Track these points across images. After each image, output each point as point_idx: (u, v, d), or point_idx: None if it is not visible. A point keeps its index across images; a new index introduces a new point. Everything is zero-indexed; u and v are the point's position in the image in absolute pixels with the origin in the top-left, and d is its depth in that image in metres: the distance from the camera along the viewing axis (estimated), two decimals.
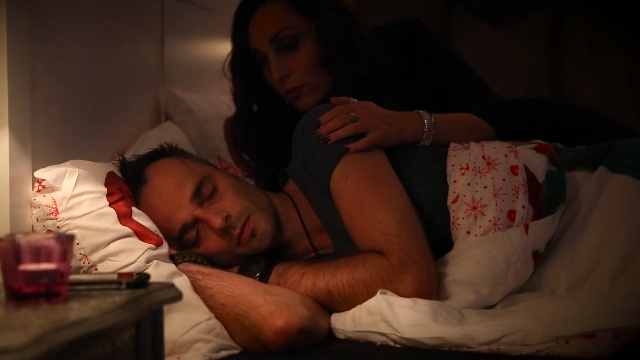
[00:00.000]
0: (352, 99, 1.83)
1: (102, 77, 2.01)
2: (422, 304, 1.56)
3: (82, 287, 1.25)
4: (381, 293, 1.58)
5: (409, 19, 2.19)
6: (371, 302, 1.58)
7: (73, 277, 1.23)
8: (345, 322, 1.61)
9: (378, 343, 1.56)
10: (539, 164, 1.77)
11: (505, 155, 1.77)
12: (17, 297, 1.13)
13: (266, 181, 2.19)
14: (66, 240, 1.15)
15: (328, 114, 1.77)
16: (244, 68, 2.15)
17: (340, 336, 1.62)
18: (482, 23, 4.40)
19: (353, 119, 1.76)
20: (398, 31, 2.17)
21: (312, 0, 2.08)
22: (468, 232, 1.70)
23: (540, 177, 1.75)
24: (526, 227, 1.67)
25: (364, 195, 1.69)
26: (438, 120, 1.86)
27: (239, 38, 2.12)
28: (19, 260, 1.12)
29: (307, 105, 2.07)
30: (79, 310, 1.10)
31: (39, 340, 0.96)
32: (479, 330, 1.48)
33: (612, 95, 4.15)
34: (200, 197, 1.75)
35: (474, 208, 1.71)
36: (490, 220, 1.69)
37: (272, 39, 2.05)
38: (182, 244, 1.75)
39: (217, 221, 1.71)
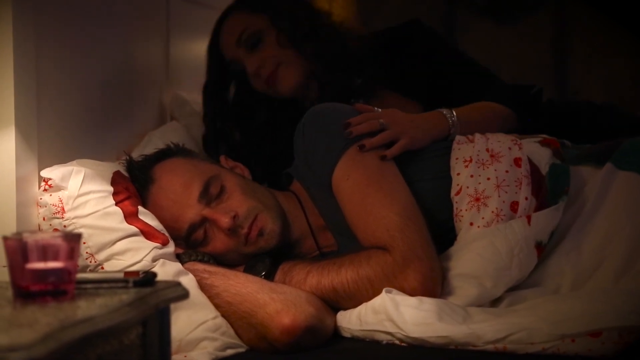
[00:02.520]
0: (376, 108, 1.85)
1: (108, 77, 2.02)
2: (428, 302, 1.56)
3: (89, 286, 1.25)
4: (386, 292, 1.58)
5: (409, 20, 2.27)
6: (376, 301, 1.58)
7: (80, 275, 1.23)
8: (351, 321, 1.61)
9: (384, 342, 1.56)
10: (543, 157, 1.78)
11: (509, 148, 1.77)
12: (25, 295, 1.13)
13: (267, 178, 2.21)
14: (73, 239, 1.15)
15: (358, 118, 1.78)
16: (224, 83, 2.26)
17: (346, 334, 1.62)
18: (485, 23, 4.40)
19: (383, 125, 1.77)
20: (398, 32, 2.24)
21: None
22: (471, 224, 1.71)
23: (544, 169, 1.75)
24: (529, 218, 1.67)
25: (366, 191, 1.69)
26: (459, 113, 1.89)
27: (216, 57, 2.23)
28: (26, 259, 1.12)
29: (288, 83, 2.17)
30: (86, 308, 1.11)
31: (47, 338, 0.96)
32: (484, 328, 1.48)
33: (616, 94, 4.14)
34: (208, 196, 1.75)
35: (477, 199, 1.72)
36: (492, 212, 1.69)
37: (237, 41, 2.18)
38: (189, 244, 1.75)
39: (225, 220, 1.71)
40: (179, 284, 1.30)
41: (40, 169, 1.66)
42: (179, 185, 1.76)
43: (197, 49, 2.25)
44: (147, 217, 1.70)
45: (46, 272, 1.13)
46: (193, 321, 1.56)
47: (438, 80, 2.16)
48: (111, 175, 1.74)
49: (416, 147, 1.81)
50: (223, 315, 1.60)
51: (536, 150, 1.79)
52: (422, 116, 1.89)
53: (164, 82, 2.37)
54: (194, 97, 2.43)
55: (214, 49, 2.24)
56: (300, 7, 2.23)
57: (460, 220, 1.73)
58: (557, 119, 2.17)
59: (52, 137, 1.73)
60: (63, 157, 1.72)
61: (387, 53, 2.20)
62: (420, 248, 1.62)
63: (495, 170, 1.73)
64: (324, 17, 2.24)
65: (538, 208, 1.70)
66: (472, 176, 1.74)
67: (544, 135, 1.88)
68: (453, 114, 1.88)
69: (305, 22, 2.19)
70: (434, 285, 1.61)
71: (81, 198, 1.64)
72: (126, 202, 1.69)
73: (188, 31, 2.51)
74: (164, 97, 2.37)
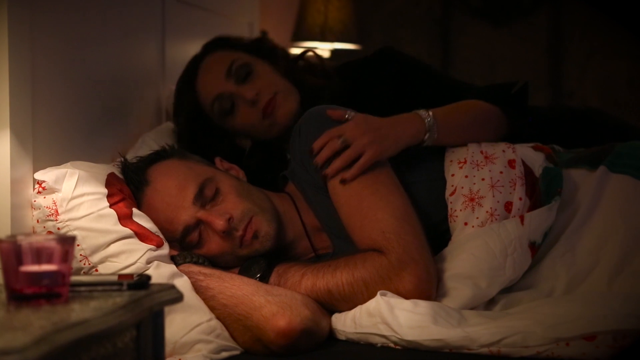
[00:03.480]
0: (349, 111, 1.78)
1: (103, 78, 2.02)
2: (422, 305, 1.56)
3: (83, 289, 1.25)
4: (381, 295, 1.58)
5: (379, 49, 2.24)
6: (371, 304, 1.58)
7: (74, 278, 1.23)
8: (346, 324, 1.61)
9: (379, 345, 1.56)
10: (537, 160, 1.80)
11: (503, 151, 1.79)
12: (19, 298, 1.13)
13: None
14: (67, 242, 1.15)
15: (320, 141, 1.72)
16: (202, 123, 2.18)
17: (341, 337, 1.63)
18: (482, 25, 4.41)
19: (344, 142, 1.70)
20: (369, 62, 2.22)
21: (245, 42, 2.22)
22: (465, 224, 1.72)
23: (537, 171, 1.77)
24: (522, 218, 1.68)
25: (362, 194, 1.69)
26: (437, 113, 1.78)
27: (190, 102, 2.16)
28: (20, 262, 1.12)
29: (286, 113, 2.12)
30: (80, 311, 1.11)
31: (40, 341, 0.96)
32: (479, 332, 1.49)
33: (612, 96, 4.16)
34: (203, 199, 1.75)
35: (471, 199, 1.72)
36: (487, 211, 1.70)
37: (227, 73, 2.12)
38: (184, 246, 1.75)
39: (219, 223, 1.71)
40: (173, 287, 1.30)
41: (35, 171, 1.66)
42: (174, 188, 1.75)
43: (193, 51, 2.25)
44: (141, 219, 1.70)
45: (40, 274, 1.12)
46: (187, 324, 1.55)
47: (413, 103, 1.97)
48: (105, 177, 1.74)
49: (384, 157, 1.73)
50: (218, 318, 1.60)
51: (529, 154, 1.81)
52: (394, 121, 1.77)
53: (160, 84, 2.37)
54: None
55: (188, 94, 2.17)
56: (276, 46, 2.24)
57: (455, 221, 1.74)
58: (543, 125, 2.09)
59: (47, 139, 1.73)
60: (58, 159, 1.71)
61: (359, 83, 2.18)
62: (415, 250, 1.63)
63: (490, 171, 1.75)
64: (296, 57, 2.25)
65: (531, 208, 1.71)
66: (466, 177, 1.75)
67: (536, 143, 1.89)
68: (429, 114, 1.77)
69: (286, 57, 2.21)
70: (429, 287, 1.62)
71: (75, 200, 1.64)
72: (120, 204, 1.69)
73: (183, 33, 2.51)
74: (160, 99, 2.37)
